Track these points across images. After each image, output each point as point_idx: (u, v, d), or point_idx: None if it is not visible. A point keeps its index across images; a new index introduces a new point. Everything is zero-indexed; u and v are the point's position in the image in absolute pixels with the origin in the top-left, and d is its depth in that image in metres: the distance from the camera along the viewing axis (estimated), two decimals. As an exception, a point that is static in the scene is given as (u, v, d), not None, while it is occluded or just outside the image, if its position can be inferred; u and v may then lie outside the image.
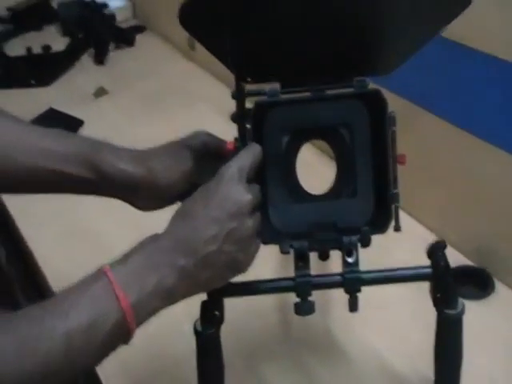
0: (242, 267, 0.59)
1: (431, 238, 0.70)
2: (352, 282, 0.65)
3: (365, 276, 0.66)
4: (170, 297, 0.55)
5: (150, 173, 0.64)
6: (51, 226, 1.11)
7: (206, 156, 0.68)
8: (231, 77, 0.64)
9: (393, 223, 0.66)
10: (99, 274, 0.52)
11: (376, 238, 0.65)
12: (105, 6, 1.83)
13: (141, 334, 0.54)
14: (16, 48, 1.71)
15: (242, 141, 0.64)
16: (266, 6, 0.58)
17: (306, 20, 0.60)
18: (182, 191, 0.66)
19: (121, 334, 0.52)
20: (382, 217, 0.67)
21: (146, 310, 0.53)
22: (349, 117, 0.67)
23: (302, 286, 0.65)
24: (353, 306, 0.65)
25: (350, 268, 0.65)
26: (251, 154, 0.61)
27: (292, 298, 0.66)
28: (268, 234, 0.66)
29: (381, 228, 0.66)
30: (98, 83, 1.54)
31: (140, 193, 0.65)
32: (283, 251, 0.65)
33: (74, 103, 1.46)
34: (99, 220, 1.10)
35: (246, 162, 0.60)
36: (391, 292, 0.76)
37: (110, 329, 0.50)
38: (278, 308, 0.91)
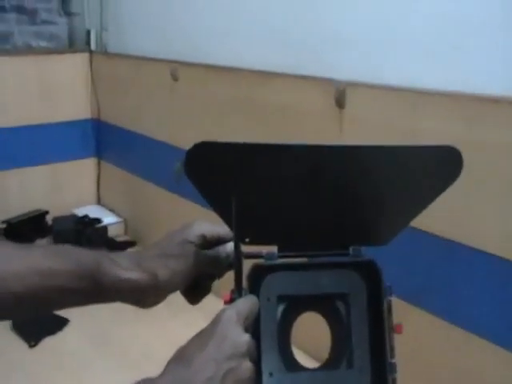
0: None
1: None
2: None
3: None
4: None
5: (153, 276, 0.66)
6: None
7: (206, 246, 0.71)
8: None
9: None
10: None
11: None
12: (98, 221, 1.92)
13: None
14: None
15: (239, 294, 0.65)
16: (271, 173, 0.62)
17: (308, 191, 0.64)
18: (183, 284, 0.69)
19: None
20: None
21: None
22: (345, 286, 0.69)
23: None
24: None
25: None
26: (249, 302, 0.61)
27: None
28: (261, 402, 0.63)
29: None
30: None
31: (144, 295, 0.66)
32: None
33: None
34: None
35: (243, 307, 0.60)
36: None
37: None
38: None
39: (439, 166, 0.61)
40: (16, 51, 2.01)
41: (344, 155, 0.60)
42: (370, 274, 0.68)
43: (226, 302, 0.66)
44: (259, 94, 1.28)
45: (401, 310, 0.75)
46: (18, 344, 1.30)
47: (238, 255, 0.67)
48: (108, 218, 1.97)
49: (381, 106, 0.98)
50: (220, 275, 0.75)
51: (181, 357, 0.57)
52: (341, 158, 0.60)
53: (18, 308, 0.66)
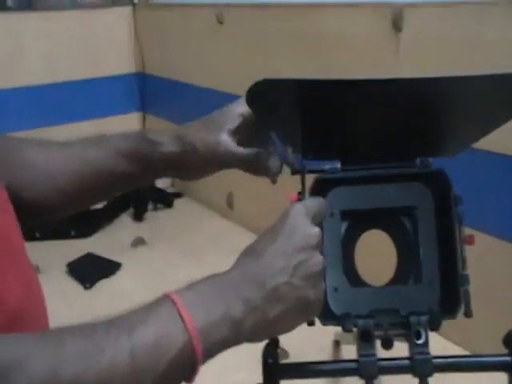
0: (312, 308, 0.55)
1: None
2: (423, 365, 0.59)
3: (437, 361, 0.60)
4: (237, 328, 0.50)
5: (193, 149, 0.67)
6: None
7: (245, 128, 0.69)
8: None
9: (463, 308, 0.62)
10: (163, 297, 0.49)
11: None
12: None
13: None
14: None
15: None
16: (336, 98, 0.58)
17: (374, 107, 0.61)
18: (221, 163, 0.68)
19: (187, 362, 0.48)
20: (450, 302, 0.62)
21: (213, 338, 0.49)
22: (412, 198, 0.66)
23: (368, 368, 0.59)
24: None
25: (420, 349, 0.60)
26: (317, 201, 0.60)
27: None
28: (327, 315, 0.62)
29: (450, 313, 0.62)
30: (136, 235, 1.56)
31: (186, 169, 0.68)
32: (346, 329, 0.60)
33: (113, 251, 1.47)
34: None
35: (312, 204, 0.58)
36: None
37: (176, 353, 0.47)
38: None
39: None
40: (62, 6, 2.00)
41: (412, 88, 0.55)
42: (438, 185, 0.65)
43: (293, 201, 0.64)
44: (309, 26, 1.25)
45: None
46: (73, 286, 1.32)
47: (303, 171, 0.65)
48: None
49: (441, 25, 0.94)
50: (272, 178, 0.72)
51: (251, 250, 0.56)
52: (409, 90, 0.55)
53: (68, 203, 0.67)
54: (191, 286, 0.52)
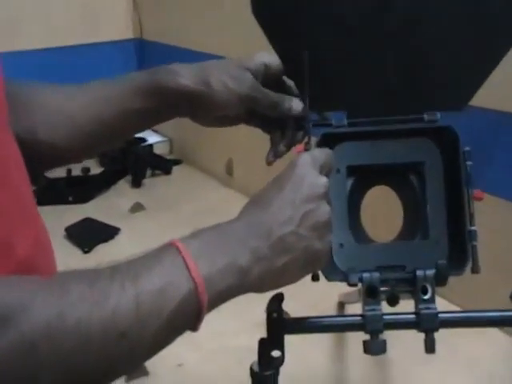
0: (318, 259, 0.55)
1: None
2: (429, 319, 0.59)
3: (443, 315, 0.59)
4: (243, 277, 0.50)
5: (208, 87, 0.67)
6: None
7: (266, 80, 0.69)
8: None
9: (470, 264, 0.61)
10: (168, 245, 0.49)
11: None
12: (143, 140, 1.90)
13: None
14: (56, 170, 1.74)
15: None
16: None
17: (378, 53, 0.60)
18: (236, 115, 0.70)
19: (192, 310, 0.47)
20: (458, 257, 0.62)
21: (218, 287, 0.48)
22: (419, 154, 0.65)
23: (373, 322, 0.59)
24: (430, 347, 0.58)
25: (426, 305, 0.59)
26: (324, 151, 0.59)
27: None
28: (332, 271, 0.61)
29: (458, 269, 0.61)
30: (134, 201, 1.55)
31: (200, 105, 0.68)
32: (351, 283, 0.60)
33: (111, 216, 1.46)
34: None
35: (319, 154, 0.58)
36: None
37: (181, 300, 0.46)
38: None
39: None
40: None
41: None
42: (446, 141, 0.64)
43: (298, 151, 0.63)
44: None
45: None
46: (72, 251, 1.31)
47: (309, 122, 0.64)
48: (153, 137, 1.95)
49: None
50: (283, 131, 0.71)
51: (257, 200, 0.55)
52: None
53: (88, 143, 0.68)
54: (197, 235, 0.51)
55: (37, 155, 0.62)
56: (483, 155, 0.86)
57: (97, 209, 1.54)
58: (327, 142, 0.65)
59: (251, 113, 0.70)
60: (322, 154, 0.58)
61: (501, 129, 0.88)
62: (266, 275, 0.51)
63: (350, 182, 0.67)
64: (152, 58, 2.06)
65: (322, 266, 0.57)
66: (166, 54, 1.93)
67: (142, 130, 0.73)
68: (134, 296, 0.45)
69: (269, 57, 0.69)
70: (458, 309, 0.95)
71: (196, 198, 1.60)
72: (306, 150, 0.61)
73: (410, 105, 0.64)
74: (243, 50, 1.46)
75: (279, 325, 0.59)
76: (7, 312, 0.41)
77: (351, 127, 0.65)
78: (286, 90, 0.71)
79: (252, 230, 0.52)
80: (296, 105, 0.68)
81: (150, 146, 1.85)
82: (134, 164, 1.72)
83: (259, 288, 0.52)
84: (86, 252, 1.30)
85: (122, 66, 2.12)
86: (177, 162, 1.86)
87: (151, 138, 1.95)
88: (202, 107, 0.68)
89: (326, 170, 0.57)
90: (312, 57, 0.59)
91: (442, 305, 0.62)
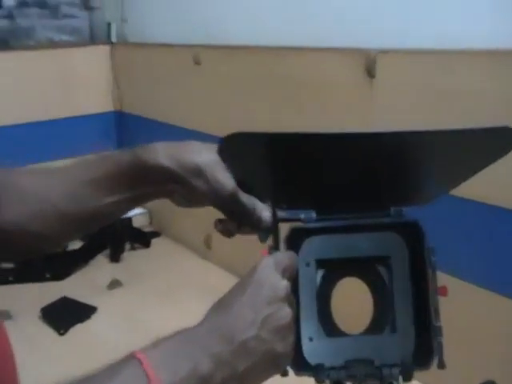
0: (280, 361, 0.55)
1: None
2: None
3: None
4: (205, 383, 0.49)
5: (189, 174, 0.68)
6: None
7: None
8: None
9: (436, 360, 0.61)
10: (129, 357, 0.49)
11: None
12: (123, 212, 1.90)
13: None
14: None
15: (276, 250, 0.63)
16: (310, 152, 0.58)
17: (347, 158, 0.61)
18: (217, 200, 0.69)
19: None
20: (424, 353, 0.62)
21: None
22: (386, 248, 0.66)
23: None
24: None
25: None
26: (287, 254, 0.60)
27: None
28: (301, 365, 0.62)
29: (423, 365, 0.62)
30: (112, 277, 1.54)
31: (177, 191, 0.69)
32: (318, 380, 0.60)
33: (88, 294, 1.45)
34: None
35: (281, 257, 0.58)
36: None
37: None
38: None
39: (491, 143, 0.56)
40: (39, 45, 2.00)
41: (387, 141, 0.55)
42: (412, 235, 0.65)
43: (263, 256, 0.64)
44: (284, 69, 1.25)
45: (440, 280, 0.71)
46: (47, 332, 1.29)
47: (275, 221, 0.65)
48: (132, 210, 1.96)
49: (414, 71, 0.95)
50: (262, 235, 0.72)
51: (219, 305, 0.55)
52: (383, 144, 0.55)
53: (71, 228, 0.67)
54: (158, 344, 0.51)
55: (19, 243, 0.62)
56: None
57: (74, 286, 1.52)
58: (296, 236, 0.66)
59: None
60: (284, 257, 0.59)
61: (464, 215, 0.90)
62: (229, 381, 0.52)
63: (319, 275, 0.67)
64: (131, 131, 2.08)
65: (284, 367, 0.57)
66: (144, 127, 1.96)
67: (126, 212, 0.73)
68: None
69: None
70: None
71: (174, 271, 1.60)
72: (270, 252, 0.62)
73: (376, 201, 0.66)
74: (217, 126, 1.50)
75: None
76: None
77: (320, 222, 0.66)
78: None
79: (214, 335, 0.52)
80: (265, 216, 0.69)
81: (129, 218, 1.85)
82: (112, 238, 1.71)
83: None
84: (61, 334, 1.28)
85: (101, 139, 2.15)
86: (156, 235, 1.86)
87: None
88: (179, 190, 0.68)
89: (288, 273, 0.58)
90: (277, 174, 0.60)
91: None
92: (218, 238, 1.67)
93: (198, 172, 0.67)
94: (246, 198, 0.69)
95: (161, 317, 1.32)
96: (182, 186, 0.68)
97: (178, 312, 1.32)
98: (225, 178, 0.67)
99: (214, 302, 0.58)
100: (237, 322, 0.53)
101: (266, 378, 0.56)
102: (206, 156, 0.69)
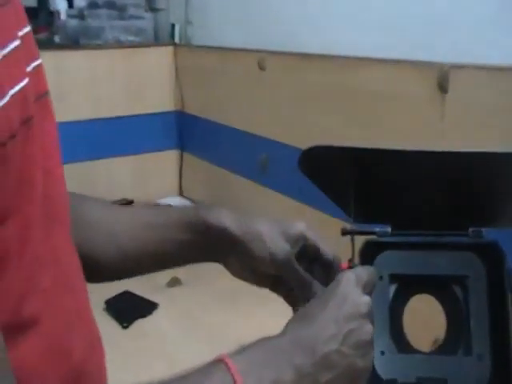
0: (360, 376, 0.56)
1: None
2: None
3: None
4: None
5: (248, 237, 0.65)
6: None
7: (301, 252, 0.67)
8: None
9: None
10: (217, 361, 0.50)
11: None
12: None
13: None
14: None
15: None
16: (390, 168, 0.60)
17: (428, 176, 0.62)
18: (264, 277, 0.67)
19: None
20: (501, 374, 0.62)
21: None
22: (463, 268, 0.66)
23: None
24: None
25: None
26: (367, 270, 0.61)
27: None
28: (373, 380, 0.63)
29: None
30: (172, 275, 1.57)
31: (234, 254, 0.66)
32: None
33: (149, 290, 1.48)
34: None
35: (362, 273, 0.59)
36: None
37: None
38: None
39: None
40: (107, 45, 2.06)
41: (462, 160, 0.57)
42: (491, 257, 0.65)
43: (343, 270, 0.65)
44: (350, 80, 1.27)
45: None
46: (111, 325, 1.34)
47: (352, 233, 0.66)
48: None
49: (487, 88, 0.95)
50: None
51: (301, 317, 0.56)
52: (460, 163, 0.57)
53: (129, 265, 0.69)
54: (243, 351, 0.53)
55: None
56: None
57: (135, 281, 1.56)
58: (370, 249, 0.67)
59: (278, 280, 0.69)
60: (365, 272, 0.60)
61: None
62: None
63: (392, 289, 0.68)
64: (192, 131, 2.12)
65: (363, 382, 0.58)
66: (205, 128, 2.00)
67: (183, 263, 0.73)
68: None
69: (307, 230, 0.68)
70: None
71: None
72: (350, 267, 0.63)
73: (454, 220, 0.66)
74: (279, 132, 1.51)
75: None
76: None
77: (395, 237, 0.67)
78: (321, 263, 0.70)
79: (297, 347, 0.53)
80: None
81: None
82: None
83: None
84: (124, 327, 1.32)
85: (162, 137, 2.20)
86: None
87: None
88: (237, 253, 0.67)
89: (368, 289, 0.59)
90: (357, 188, 0.62)
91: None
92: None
93: (259, 237, 0.67)
94: (300, 269, 0.69)
95: (219, 318, 1.35)
96: (240, 249, 0.68)
97: (236, 313, 1.35)
98: (284, 245, 0.68)
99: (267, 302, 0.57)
100: (319, 334, 0.54)
101: None
102: (267, 225, 0.69)
